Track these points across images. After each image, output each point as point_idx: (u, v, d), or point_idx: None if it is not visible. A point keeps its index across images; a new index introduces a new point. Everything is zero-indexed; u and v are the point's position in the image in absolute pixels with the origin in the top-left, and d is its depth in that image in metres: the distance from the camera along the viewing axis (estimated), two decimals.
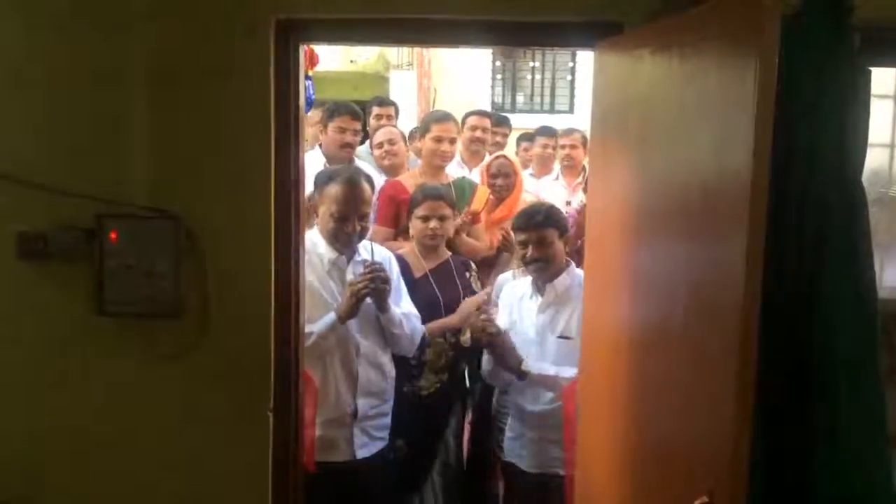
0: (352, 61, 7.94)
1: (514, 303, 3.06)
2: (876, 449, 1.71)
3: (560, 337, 2.88)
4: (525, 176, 4.55)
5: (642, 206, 2.00)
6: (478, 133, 4.45)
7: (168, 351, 2.28)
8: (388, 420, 2.93)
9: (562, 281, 2.93)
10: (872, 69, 1.83)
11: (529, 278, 3.03)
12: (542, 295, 2.96)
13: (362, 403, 2.81)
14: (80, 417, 2.30)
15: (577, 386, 2.41)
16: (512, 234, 3.20)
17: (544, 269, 2.92)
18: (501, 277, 3.38)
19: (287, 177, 2.31)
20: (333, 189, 2.76)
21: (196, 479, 2.33)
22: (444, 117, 3.89)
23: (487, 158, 4.25)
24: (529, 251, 2.92)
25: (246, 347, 2.30)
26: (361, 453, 2.83)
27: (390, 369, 2.92)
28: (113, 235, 2.21)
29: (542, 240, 2.90)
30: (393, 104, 4.76)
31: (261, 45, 2.22)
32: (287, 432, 2.36)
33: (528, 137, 5.53)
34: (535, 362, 2.86)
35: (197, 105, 2.23)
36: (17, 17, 2.21)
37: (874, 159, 2.43)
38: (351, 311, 2.71)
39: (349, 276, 2.79)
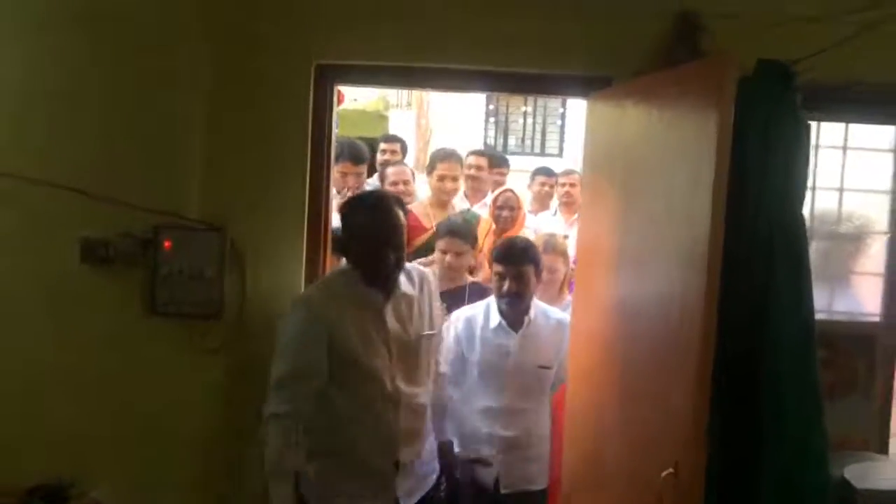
0: (354, 100, 8.27)
1: (477, 333, 2.97)
2: (813, 432, 2.06)
3: (540, 367, 2.91)
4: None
5: (626, 234, 2.36)
6: (472, 171, 4.69)
7: (210, 346, 2.60)
8: None
9: (532, 314, 2.94)
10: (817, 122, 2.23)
11: (486, 306, 3.01)
12: (511, 326, 2.93)
13: None
14: (130, 407, 2.61)
15: (567, 384, 2.72)
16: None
17: (517, 304, 2.91)
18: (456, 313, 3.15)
19: (318, 199, 2.67)
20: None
21: (230, 461, 2.63)
22: (447, 156, 4.16)
23: (496, 192, 4.45)
24: (507, 284, 2.88)
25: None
26: None
27: None
28: (167, 244, 2.55)
29: (521, 275, 2.88)
30: (400, 141, 5.01)
31: (302, 86, 2.59)
32: None
33: (543, 172, 5.72)
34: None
35: (245, 134, 2.59)
36: (95, 58, 2.57)
37: (825, 201, 2.81)
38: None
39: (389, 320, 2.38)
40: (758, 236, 2.06)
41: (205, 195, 2.59)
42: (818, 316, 2.73)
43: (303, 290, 2.64)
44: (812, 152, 2.70)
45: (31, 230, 2.57)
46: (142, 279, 2.57)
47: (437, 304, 2.60)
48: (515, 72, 2.67)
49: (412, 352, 2.39)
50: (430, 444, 2.55)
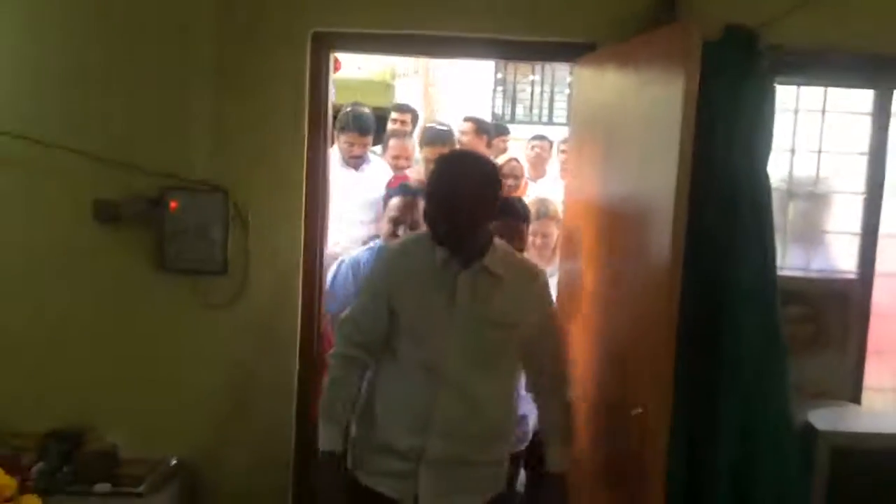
0: (359, 68, 8.29)
1: None
2: (773, 378, 2.20)
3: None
4: None
5: (606, 191, 2.49)
6: (465, 139, 4.78)
7: (216, 301, 2.76)
8: None
9: None
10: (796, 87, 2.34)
11: None
12: None
13: None
14: (140, 357, 2.79)
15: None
16: None
17: None
18: None
19: (317, 162, 2.80)
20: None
21: (233, 410, 2.81)
22: (432, 141, 4.20)
23: (501, 161, 4.54)
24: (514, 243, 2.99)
25: (279, 300, 2.78)
26: None
27: None
28: (173, 204, 2.70)
29: (522, 232, 2.96)
30: (411, 111, 5.05)
31: (299, 53, 2.71)
32: (308, 369, 2.83)
33: (538, 137, 5.85)
34: None
35: (247, 100, 2.73)
36: (101, 25, 2.72)
37: (804, 163, 2.91)
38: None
39: None
40: (724, 194, 2.18)
41: (210, 159, 2.73)
42: (796, 274, 2.89)
43: (302, 249, 2.79)
44: (792, 116, 2.83)
45: (45, 191, 2.74)
46: (150, 238, 2.72)
47: (545, 304, 2.26)
48: (506, 39, 2.78)
49: (480, 336, 2.12)
50: (498, 454, 2.21)
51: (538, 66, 11.82)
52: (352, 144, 4.06)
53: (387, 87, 8.73)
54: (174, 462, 2.73)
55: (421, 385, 2.10)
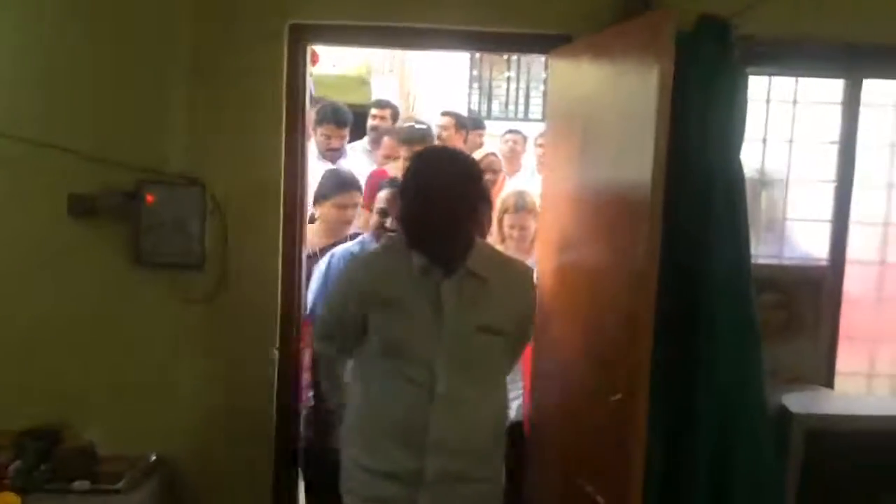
0: (333, 65, 8.31)
1: None
2: (746, 363, 2.24)
3: None
4: None
5: (582, 183, 2.50)
6: (444, 134, 4.82)
7: (193, 296, 2.74)
8: None
9: None
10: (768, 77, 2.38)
11: None
12: None
13: None
14: (118, 353, 2.76)
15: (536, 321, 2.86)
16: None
17: None
18: None
19: (295, 155, 2.79)
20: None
21: (212, 405, 2.79)
22: (410, 139, 4.18)
23: (479, 155, 4.59)
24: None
25: (258, 295, 2.77)
26: None
27: None
28: (150, 198, 2.68)
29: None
30: (391, 107, 5.12)
31: (277, 46, 2.71)
32: (288, 364, 2.83)
33: (511, 131, 5.93)
34: None
35: (224, 93, 2.71)
36: (75, 20, 2.69)
37: (776, 152, 2.96)
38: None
39: None
40: (698, 185, 2.22)
41: (186, 152, 2.71)
42: (769, 261, 2.93)
43: (281, 242, 2.78)
44: (763, 106, 2.87)
45: (19, 187, 2.71)
46: (126, 232, 2.70)
47: (532, 306, 2.24)
48: (483, 31, 2.79)
49: (469, 345, 2.01)
50: (497, 467, 2.15)
51: (513, 63, 11.88)
52: (329, 137, 4.10)
53: (362, 84, 8.74)
54: (153, 458, 2.72)
55: (412, 403, 1.98)
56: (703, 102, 2.18)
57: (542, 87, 12.44)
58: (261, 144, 2.74)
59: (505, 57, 11.33)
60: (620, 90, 2.21)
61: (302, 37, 2.76)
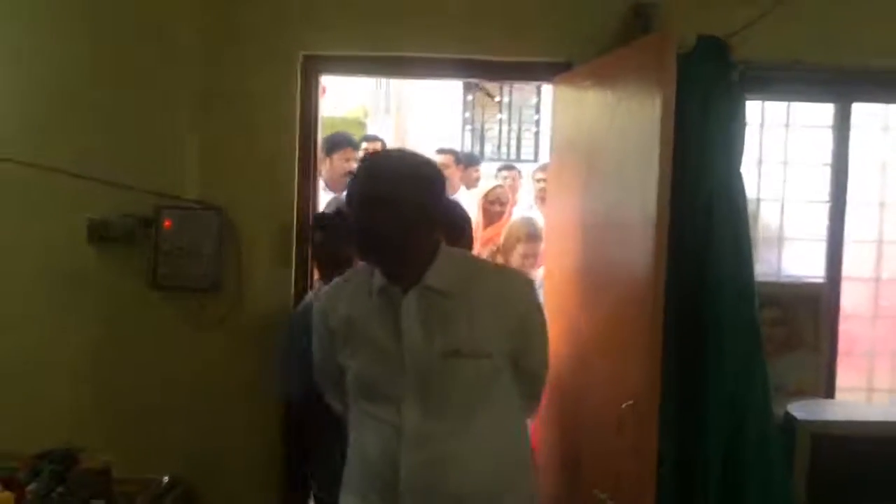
0: (334, 107, 8.61)
1: None
2: (750, 370, 2.31)
3: None
4: None
5: (587, 208, 2.58)
6: (446, 172, 4.96)
7: (209, 320, 2.81)
8: None
9: None
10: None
11: None
12: None
13: None
14: (134, 375, 2.81)
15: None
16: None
17: None
18: None
19: (308, 179, 2.88)
20: None
21: (226, 428, 2.83)
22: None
23: (488, 188, 4.71)
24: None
25: (271, 317, 2.82)
26: None
27: None
28: (167, 223, 2.75)
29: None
30: (381, 140, 5.35)
31: (291, 75, 2.81)
32: None
33: (506, 167, 6.07)
34: None
35: (239, 120, 2.81)
36: (96, 46, 2.80)
37: (771, 174, 3.06)
38: None
39: None
40: (699, 203, 2.30)
41: (203, 178, 2.80)
42: (769, 279, 3.01)
43: (293, 268, 2.85)
44: (757, 130, 2.99)
45: (39, 212, 2.79)
46: (143, 256, 2.76)
47: (530, 313, 1.86)
48: (485, 59, 2.89)
49: (443, 376, 1.72)
50: None
51: (504, 106, 12.14)
52: (349, 160, 4.29)
53: (359, 126, 8.95)
54: (166, 480, 2.74)
55: (384, 446, 1.73)
56: (702, 121, 2.27)
57: (533, 129, 12.70)
58: (275, 170, 2.83)
59: (496, 100, 11.60)
60: (623, 111, 2.30)
61: (314, 67, 2.88)
